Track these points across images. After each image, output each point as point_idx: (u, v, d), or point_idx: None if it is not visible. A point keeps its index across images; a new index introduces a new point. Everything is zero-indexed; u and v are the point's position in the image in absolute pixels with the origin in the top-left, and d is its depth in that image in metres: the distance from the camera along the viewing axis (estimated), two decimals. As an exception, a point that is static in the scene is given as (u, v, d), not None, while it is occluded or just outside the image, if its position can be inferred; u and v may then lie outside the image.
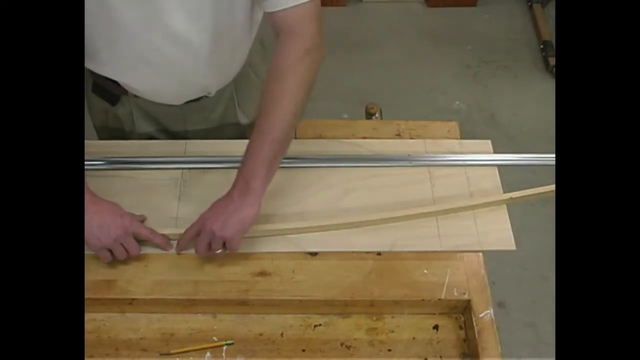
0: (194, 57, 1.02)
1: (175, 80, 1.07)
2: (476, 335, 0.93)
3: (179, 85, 1.09)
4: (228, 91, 1.20)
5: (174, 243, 1.00)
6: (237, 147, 1.06)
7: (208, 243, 0.95)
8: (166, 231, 1.00)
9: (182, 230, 1.00)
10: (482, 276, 1.00)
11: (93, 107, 1.22)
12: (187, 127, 1.20)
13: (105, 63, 1.04)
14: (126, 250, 0.96)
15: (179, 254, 1.00)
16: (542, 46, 2.68)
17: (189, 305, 0.97)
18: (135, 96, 1.13)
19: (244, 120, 1.24)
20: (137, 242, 0.97)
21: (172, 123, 1.20)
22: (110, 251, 0.96)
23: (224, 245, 0.95)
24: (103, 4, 0.89)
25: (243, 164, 0.95)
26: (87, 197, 0.95)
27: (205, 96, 1.15)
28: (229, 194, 0.96)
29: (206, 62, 1.04)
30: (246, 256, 1.00)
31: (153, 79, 1.06)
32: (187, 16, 0.94)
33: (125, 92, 1.12)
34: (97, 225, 0.93)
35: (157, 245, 0.99)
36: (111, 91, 1.14)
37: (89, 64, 1.05)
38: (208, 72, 1.08)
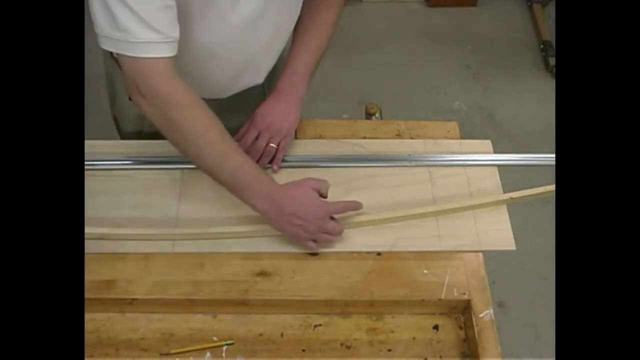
0: (258, 43, 1.04)
1: (233, 70, 1.08)
2: (476, 335, 0.93)
3: (236, 75, 1.10)
4: None
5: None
6: (237, 147, 1.07)
7: (266, 141, 1.05)
8: (166, 231, 1.01)
9: (182, 231, 1.00)
10: (482, 276, 1.00)
11: (127, 116, 1.19)
12: (223, 123, 1.20)
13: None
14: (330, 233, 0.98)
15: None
16: (542, 46, 2.68)
17: (189, 305, 0.97)
18: None
19: None
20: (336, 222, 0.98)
21: None
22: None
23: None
24: None
25: (288, 71, 1.08)
26: (276, 194, 0.95)
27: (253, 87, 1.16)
28: (275, 98, 1.07)
29: (265, 49, 1.07)
30: (246, 256, 1.00)
31: (216, 71, 1.07)
32: (261, 3, 0.96)
33: None
34: (296, 225, 0.95)
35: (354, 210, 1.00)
36: None
37: None
38: (265, 59, 1.10)
